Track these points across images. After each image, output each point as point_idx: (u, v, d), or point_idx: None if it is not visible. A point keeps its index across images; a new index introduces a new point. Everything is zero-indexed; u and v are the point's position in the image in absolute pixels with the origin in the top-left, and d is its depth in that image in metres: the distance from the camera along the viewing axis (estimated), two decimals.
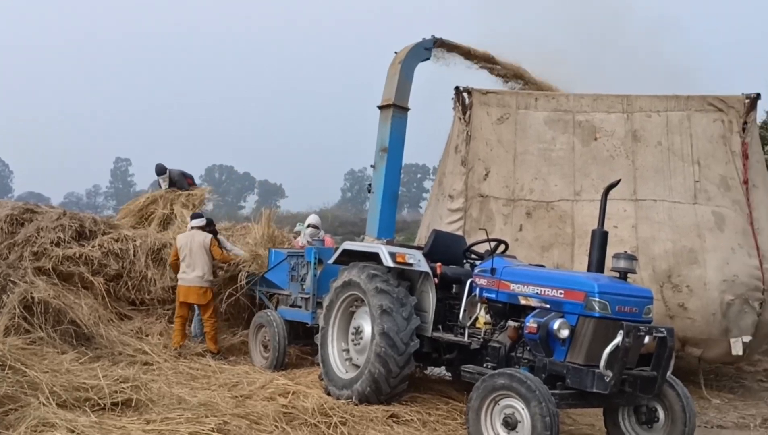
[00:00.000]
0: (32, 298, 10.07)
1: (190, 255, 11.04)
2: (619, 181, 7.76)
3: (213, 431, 6.61)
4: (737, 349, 10.08)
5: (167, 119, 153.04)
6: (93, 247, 12.00)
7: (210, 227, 11.81)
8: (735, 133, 10.78)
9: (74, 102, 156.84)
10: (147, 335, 11.34)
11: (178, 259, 11.17)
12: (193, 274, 11.00)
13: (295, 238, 13.11)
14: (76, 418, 6.68)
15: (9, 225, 12.07)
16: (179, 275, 11.15)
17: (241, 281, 11.54)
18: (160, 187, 14.59)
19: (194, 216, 11.73)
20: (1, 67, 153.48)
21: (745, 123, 10.81)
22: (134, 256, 12.13)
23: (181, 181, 14.47)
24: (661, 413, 7.15)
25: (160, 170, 14.41)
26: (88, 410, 7.01)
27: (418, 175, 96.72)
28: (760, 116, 14.70)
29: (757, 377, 12.01)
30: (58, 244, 11.78)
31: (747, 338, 10.09)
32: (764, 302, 10.12)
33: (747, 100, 10.82)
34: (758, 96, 10.86)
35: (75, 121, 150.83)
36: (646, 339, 6.76)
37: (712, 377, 11.41)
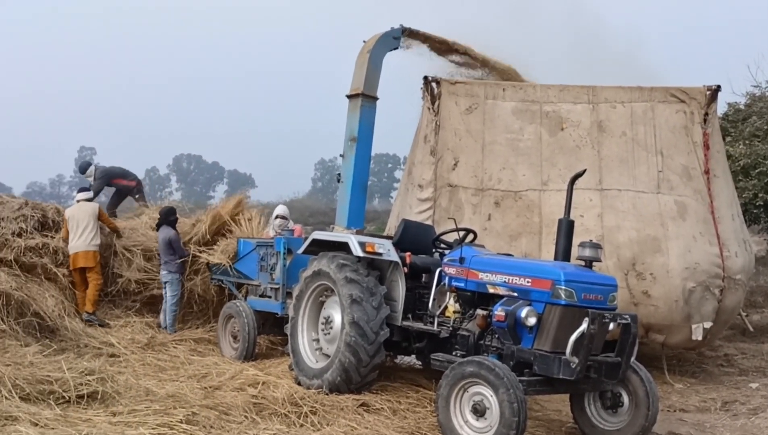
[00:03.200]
0: None
1: (78, 225, 11.58)
2: (584, 171, 7.86)
3: (181, 422, 6.57)
4: (698, 335, 10.28)
5: (133, 106, 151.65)
6: (56, 238, 11.84)
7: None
8: (697, 124, 10.94)
9: (37, 88, 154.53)
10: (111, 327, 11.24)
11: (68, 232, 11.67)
12: (79, 240, 11.50)
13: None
14: (40, 411, 6.60)
15: None
16: (69, 245, 11.58)
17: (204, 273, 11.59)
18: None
19: (80, 190, 12.52)
20: None
21: (707, 114, 10.98)
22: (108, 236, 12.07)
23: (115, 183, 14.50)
24: (625, 398, 7.28)
25: (82, 168, 14.67)
26: (53, 403, 6.93)
27: (389, 165, 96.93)
28: (721, 108, 14.93)
29: (717, 362, 12.23)
30: (20, 235, 11.51)
31: (708, 324, 10.29)
32: (724, 289, 10.31)
33: (708, 92, 10.99)
34: (719, 88, 11.04)
35: (38, 108, 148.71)
36: (611, 326, 6.88)
37: (675, 363, 11.60)
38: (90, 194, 12.32)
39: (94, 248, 11.56)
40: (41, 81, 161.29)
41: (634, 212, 10.51)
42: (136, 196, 14.98)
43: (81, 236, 11.49)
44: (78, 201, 12.11)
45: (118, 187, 14.49)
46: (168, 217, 11.83)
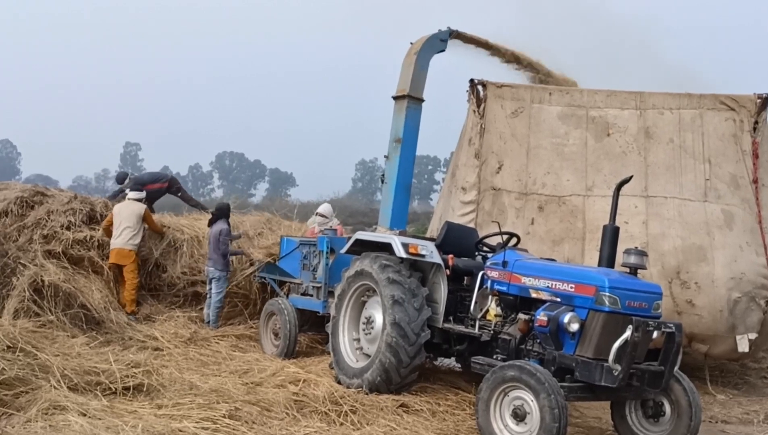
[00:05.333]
0: (42, 281, 10.15)
1: (121, 222, 11.70)
2: (631, 177, 7.80)
3: (224, 417, 6.67)
4: (743, 346, 10.13)
5: (178, 103, 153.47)
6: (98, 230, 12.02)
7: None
8: (746, 132, 10.81)
9: (84, 83, 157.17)
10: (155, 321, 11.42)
11: (111, 224, 11.80)
12: (119, 238, 11.60)
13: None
14: (87, 401, 6.76)
15: (19, 207, 12.02)
16: (111, 240, 11.71)
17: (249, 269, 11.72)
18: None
19: (133, 188, 12.72)
20: (10, 42, 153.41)
21: (756, 122, 10.85)
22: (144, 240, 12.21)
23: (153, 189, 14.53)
24: (667, 407, 7.21)
25: (120, 179, 14.89)
26: (100, 394, 7.10)
27: (429, 167, 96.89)
28: None
29: (761, 374, 12.03)
30: (68, 228, 11.77)
31: (753, 335, 10.15)
32: None
33: (759, 100, 10.87)
34: None
35: (85, 104, 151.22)
36: (655, 334, 6.83)
37: (718, 373, 11.44)
38: (141, 195, 12.40)
39: (131, 247, 11.63)
40: (89, 76, 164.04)
41: (679, 220, 10.41)
42: (178, 194, 15.15)
43: (121, 234, 11.61)
44: (128, 199, 12.25)
45: (149, 193, 14.58)
46: (223, 212, 11.97)
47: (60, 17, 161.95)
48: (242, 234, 12.53)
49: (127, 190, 12.75)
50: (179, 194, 15.19)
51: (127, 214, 11.79)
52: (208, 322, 11.61)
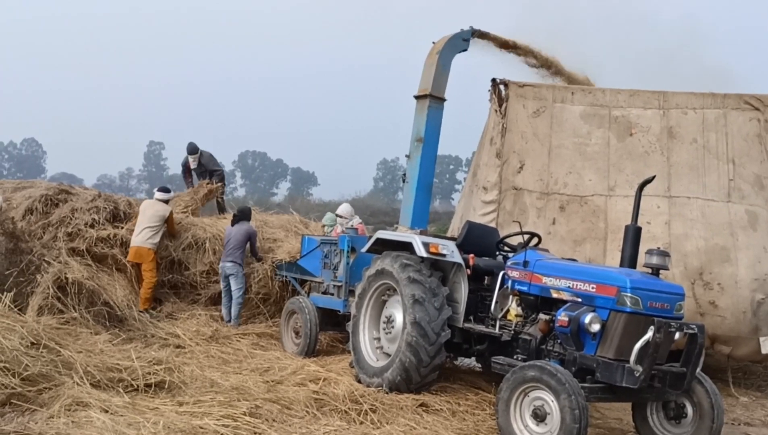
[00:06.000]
0: (66, 278, 10.23)
1: (143, 221, 11.75)
2: (653, 177, 7.77)
3: (245, 415, 6.71)
4: (766, 348, 10.03)
5: (201, 103, 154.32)
6: (127, 229, 12.12)
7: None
8: None
9: (108, 82, 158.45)
10: (177, 319, 11.50)
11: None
12: (138, 236, 11.67)
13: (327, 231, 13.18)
14: (109, 398, 6.82)
15: (44, 205, 12.19)
16: (132, 237, 11.79)
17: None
18: (189, 166, 14.70)
19: (161, 188, 12.60)
20: (37, 42, 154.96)
21: None
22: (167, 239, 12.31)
23: (209, 163, 14.61)
24: (689, 409, 7.17)
25: (192, 149, 14.60)
26: (122, 391, 7.14)
27: (450, 167, 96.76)
28: None
29: None
30: (92, 226, 11.91)
31: None
32: None
33: None
34: None
35: (110, 104, 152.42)
36: (677, 335, 6.80)
37: (741, 375, 11.34)
38: (167, 196, 12.39)
39: (149, 246, 11.66)
40: (114, 76, 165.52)
41: (702, 221, 10.32)
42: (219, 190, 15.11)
43: (141, 232, 11.67)
44: (156, 199, 12.24)
45: (213, 171, 14.64)
46: (247, 215, 12.16)
47: (85, 18, 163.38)
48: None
49: (155, 191, 12.70)
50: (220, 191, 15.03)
51: (150, 213, 11.84)
52: (228, 320, 11.67)
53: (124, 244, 11.93)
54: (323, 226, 13.59)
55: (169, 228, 12.18)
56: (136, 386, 7.35)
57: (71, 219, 11.87)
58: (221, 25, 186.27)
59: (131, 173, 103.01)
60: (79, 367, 7.28)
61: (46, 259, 10.64)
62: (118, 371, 7.53)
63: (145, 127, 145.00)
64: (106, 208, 12.34)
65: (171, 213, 12.16)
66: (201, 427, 6.35)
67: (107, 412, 6.46)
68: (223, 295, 11.92)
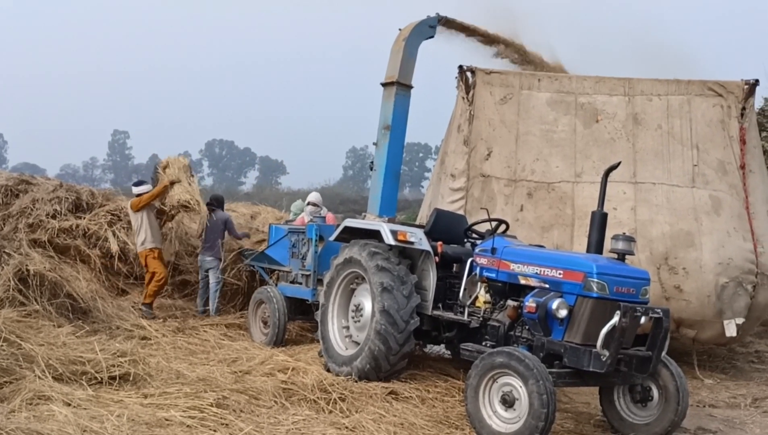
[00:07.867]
0: (27, 270, 10.01)
1: (132, 224, 11.54)
2: (619, 163, 7.83)
3: (212, 406, 6.64)
4: (731, 331, 10.17)
5: (166, 91, 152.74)
6: (90, 219, 11.93)
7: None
8: (733, 118, 10.82)
9: (70, 70, 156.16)
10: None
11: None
12: (136, 241, 11.48)
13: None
14: (72, 391, 6.72)
15: (3, 196, 12.00)
16: None
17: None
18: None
19: (136, 183, 12.18)
20: None
21: (744, 108, 10.85)
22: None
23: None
24: (655, 392, 7.23)
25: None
26: (85, 384, 7.05)
27: (420, 154, 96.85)
28: (758, 102, 14.72)
29: (748, 358, 12.09)
30: (54, 217, 11.68)
31: (740, 320, 10.17)
32: (757, 285, 10.20)
33: (746, 86, 10.87)
34: (757, 82, 10.90)
35: (72, 92, 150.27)
36: (642, 320, 6.83)
37: (705, 358, 11.49)
38: (142, 188, 11.66)
39: (140, 249, 11.40)
40: (75, 63, 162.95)
41: (667, 206, 10.43)
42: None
43: (136, 237, 11.43)
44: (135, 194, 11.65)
45: None
46: (221, 202, 12.19)
47: (46, 4, 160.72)
48: (250, 233, 12.60)
49: (132, 187, 12.09)
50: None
51: (132, 215, 11.53)
52: (203, 311, 11.58)
53: (87, 235, 11.73)
54: (291, 214, 13.52)
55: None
56: (100, 379, 7.25)
57: (32, 210, 11.64)
58: (187, 10, 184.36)
59: (95, 163, 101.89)
60: (41, 361, 7.16)
61: (6, 250, 10.45)
62: (81, 364, 7.41)
63: (109, 115, 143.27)
64: (68, 198, 12.09)
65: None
66: (167, 420, 6.26)
67: (70, 405, 6.36)
68: (200, 286, 11.91)
